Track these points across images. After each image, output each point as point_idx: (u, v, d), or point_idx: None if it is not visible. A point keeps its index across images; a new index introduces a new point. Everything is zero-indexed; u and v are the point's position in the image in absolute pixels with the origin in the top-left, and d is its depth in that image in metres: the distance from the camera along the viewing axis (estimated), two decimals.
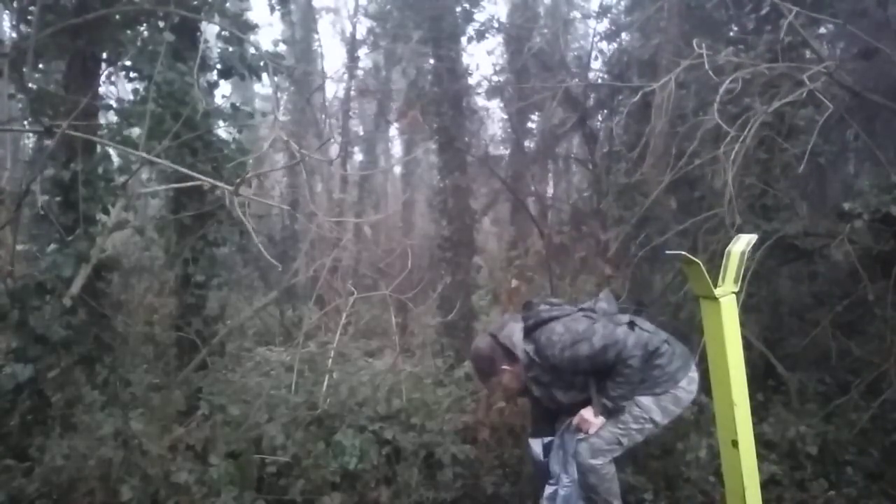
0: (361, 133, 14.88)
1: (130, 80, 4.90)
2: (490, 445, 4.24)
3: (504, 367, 2.73)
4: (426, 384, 4.71)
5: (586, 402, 2.72)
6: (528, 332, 2.72)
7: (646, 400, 2.67)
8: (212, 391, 4.27)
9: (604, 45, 9.24)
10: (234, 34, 5.02)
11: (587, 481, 2.67)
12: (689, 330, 4.84)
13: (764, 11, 5.57)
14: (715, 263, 2.50)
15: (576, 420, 2.70)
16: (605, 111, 8.63)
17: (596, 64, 9.25)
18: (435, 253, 9.17)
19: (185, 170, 3.29)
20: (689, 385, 2.76)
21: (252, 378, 4.75)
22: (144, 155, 3.14)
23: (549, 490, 2.77)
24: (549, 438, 2.81)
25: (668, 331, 2.86)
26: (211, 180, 3.30)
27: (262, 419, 3.95)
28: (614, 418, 2.68)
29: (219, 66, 5.22)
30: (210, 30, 5.44)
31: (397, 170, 14.62)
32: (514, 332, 2.75)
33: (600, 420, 2.66)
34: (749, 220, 4.80)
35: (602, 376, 2.64)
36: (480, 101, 9.91)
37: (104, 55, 4.66)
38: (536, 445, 2.83)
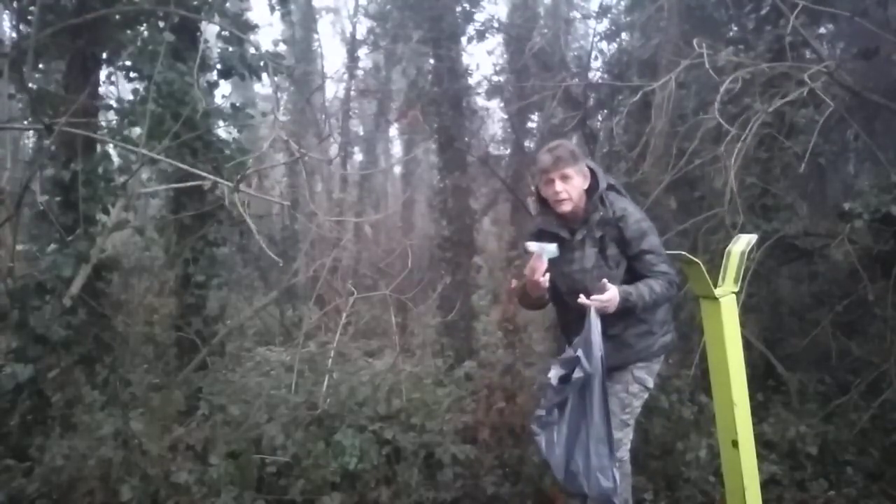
0: (361, 133, 14.88)
1: (130, 80, 4.90)
2: (490, 445, 4.24)
3: (585, 168, 2.60)
4: (426, 384, 4.71)
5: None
6: (608, 187, 2.66)
7: (640, 372, 2.69)
8: (212, 391, 4.27)
9: (604, 45, 9.23)
10: (234, 34, 5.02)
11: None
12: (690, 330, 4.85)
13: (764, 11, 5.56)
14: (715, 263, 2.50)
15: (597, 303, 2.43)
16: (605, 111, 8.62)
17: (596, 64, 9.24)
18: (435, 253, 9.17)
19: (185, 167, 3.28)
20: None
21: (252, 378, 4.75)
22: (145, 152, 3.14)
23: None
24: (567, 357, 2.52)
25: None
26: (211, 177, 3.30)
27: (262, 419, 3.95)
28: (618, 402, 2.65)
29: (219, 66, 5.22)
30: (210, 30, 5.44)
31: (397, 170, 14.62)
32: (600, 169, 2.68)
33: (614, 292, 2.45)
34: (749, 220, 4.80)
35: (628, 281, 2.57)
36: (480, 101, 9.90)
37: (104, 55, 4.66)
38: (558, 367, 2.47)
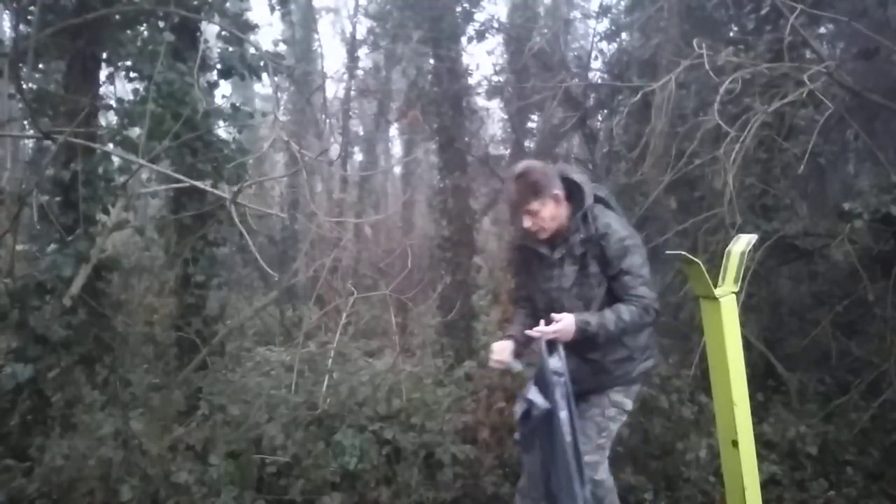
0: (361, 133, 14.88)
1: (130, 80, 4.90)
2: (490, 445, 4.23)
3: (557, 193, 2.49)
4: (426, 384, 4.71)
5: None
6: (594, 199, 2.56)
7: (617, 396, 2.65)
8: (212, 391, 4.27)
9: (604, 45, 9.24)
10: (234, 34, 5.02)
11: (597, 496, 2.64)
12: (690, 330, 4.85)
13: (764, 11, 5.56)
14: (715, 263, 2.50)
15: (548, 334, 2.43)
16: (605, 111, 8.64)
17: (596, 64, 9.25)
18: (435, 253, 9.16)
19: (183, 178, 3.28)
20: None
21: (252, 378, 4.75)
22: (143, 162, 3.14)
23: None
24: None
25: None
26: (210, 188, 3.30)
27: (262, 419, 3.95)
28: (594, 426, 2.60)
29: (219, 66, 5.22)
30: (210, 30, 5.44)
31: (397, 170, 14.61)
32: (587, 182, 2.57)
33: (568, 322, 2.42)
34: (749, 220, 4.80)
35: (610, 301, 2.52)
36: (480, 101, 9.89)
37: (104, 55, 4.66)
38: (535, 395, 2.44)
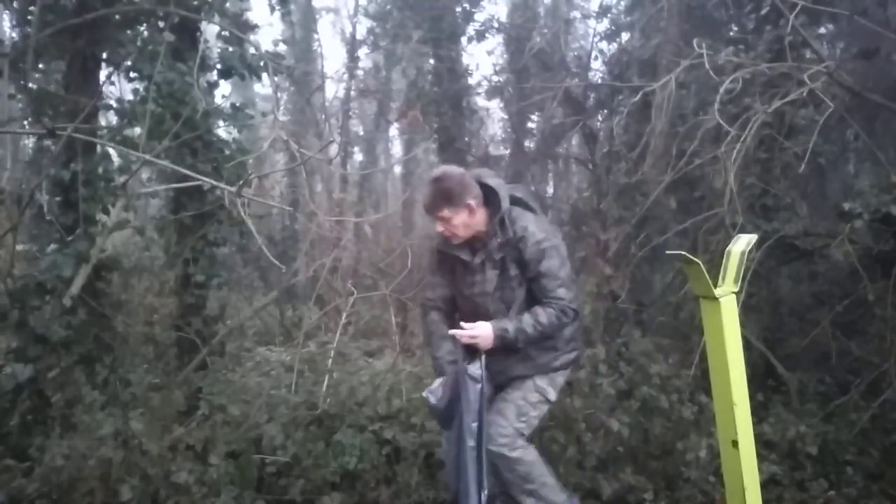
0: (361, 133, 14.88)
1: (130, 80, 4.90)
2: None
3: (470, 202, 2.50)
4: (426, 384, 4.69)
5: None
6: (512, 202, 2.60)
7: (542, 381, 2.67)
8: (212, 391, 4.27)
9: (604, 45, 9.25)
10: (234, 34, 5.02)
11: (519, 473, 2.63)
12: (690, 330, 4.85)
13: (764, 11, 5.56)
14: (715, 263, 2.49)
15: (464, 338, 2.52)
16: (605, 111, 8.63)
17: (596, 64, 9.25)
18: None
19: (186, 171, 3.28)
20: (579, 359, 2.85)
21: (252, 378, 4.75)
22: (146, 156, 3.14)
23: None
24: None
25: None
26: (212, 182, 3.30)
27: (262, 419, 3.95)
28: (514, 408, 2.63)
29: (219, 66, 5.21)
30: (210, 30, 5.44)
31: (397, 170, 14.61)
32: (502, 186, 2.60)
33: (486, 330, 2.49)
34: (749, 220, 4.80)
35: (530, 301, 2.57)
36: (480, 101, 9.91)
37: (104, 55, 4.66)
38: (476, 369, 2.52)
